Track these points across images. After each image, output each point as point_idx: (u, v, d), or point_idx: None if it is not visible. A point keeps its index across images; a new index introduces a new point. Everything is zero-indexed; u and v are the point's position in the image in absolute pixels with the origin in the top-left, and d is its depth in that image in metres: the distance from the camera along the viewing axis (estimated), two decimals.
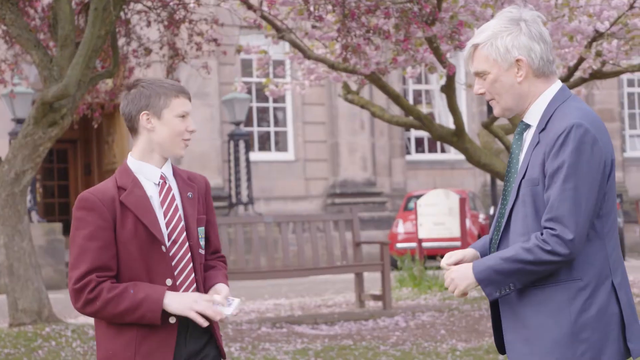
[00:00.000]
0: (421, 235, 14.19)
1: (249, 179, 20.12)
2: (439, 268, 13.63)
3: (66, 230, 21.21)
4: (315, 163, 22.23)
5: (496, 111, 3.04)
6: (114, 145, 21.58)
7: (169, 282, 3.10)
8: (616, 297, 2.87)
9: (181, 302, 3.06)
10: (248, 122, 21.50)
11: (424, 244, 14.47)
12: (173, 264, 3.11)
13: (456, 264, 3.06)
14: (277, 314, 11.45)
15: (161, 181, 3.18)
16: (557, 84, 2.99)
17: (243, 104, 19.95)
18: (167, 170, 3.19)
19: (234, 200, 20.14)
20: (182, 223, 3.15)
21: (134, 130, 3.18)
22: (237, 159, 20.10)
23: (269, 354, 8.40)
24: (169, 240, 3.12)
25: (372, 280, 14.20)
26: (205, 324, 3.08)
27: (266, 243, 11.28)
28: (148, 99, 3.13)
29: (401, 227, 19.41)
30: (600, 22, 9.98)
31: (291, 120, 22.16)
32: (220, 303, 3.11)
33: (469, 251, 3.10)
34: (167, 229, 3.13)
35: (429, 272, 13.50)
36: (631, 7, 10.03)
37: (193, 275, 3.15)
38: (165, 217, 3.13)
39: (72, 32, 9.07)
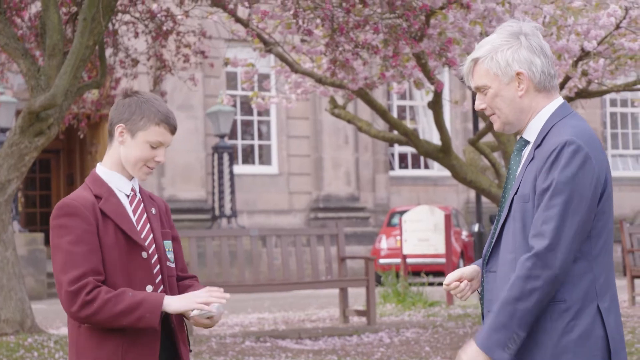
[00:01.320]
0: (406, 251, 14.19)
1: (232, 192, 20.08)
2: (423, 284, 13.62)
3: (47, 241, 21.09)
4: (299, 177, 22.21)
5: (497, 126, 3.00)
6: (97, 155, 21.49)
7: (149, 288, 3.08)
8: (602, 322, 2.80)
9: (181, 298, 3.04)
10: (232, 135, 21.47)
11: (409, 260, 14.46)
12: (154, 271, 3.11)
13: (459, 280, 3.03)
14: (260, 328, 11.40)
15: (132, 193, 3.18)
16: (558, 100, 2.95)
17: (227, 117, 19.93)
18: (135, 184, 3.20)
19: (217, 212, 20.09)
20: (152, 235, 3.15)
21: (110, 136, 3.17)
22: (220, 172, 20.05)
23: None
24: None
25: (356, 296, 14.17)
26: (213, 310, 3.03)
27: (251, 256, 11.25)
28: (131, 114, 3.11)
29: (384, 243, 19.41)
30: (587, 41, 10.04)
31: (275, 133, 22.15)
32: (214, 293, 3.08)
33: (469, 267, 3.08)
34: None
35: (413, 288, 13.49)
36: (617, 27, 10.09)
37: (162, 286, 3.14)
38: (137, 228, 3.14)
39: (60, 42, 9.04)
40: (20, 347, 8.72)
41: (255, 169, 21.98)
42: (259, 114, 21.77)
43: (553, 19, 9.83)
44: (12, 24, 9.99)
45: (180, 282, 3.24)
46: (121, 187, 3.14)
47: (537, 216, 2.79)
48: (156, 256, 3.13)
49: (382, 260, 18.45)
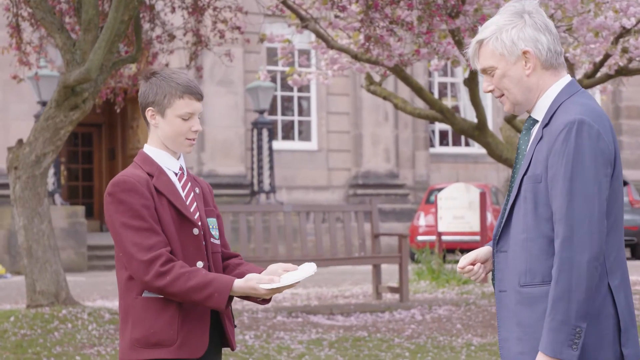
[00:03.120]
0: (441, 228, 14.15)
1: (271, 168, 20.14)
2: (457, 262, 13.57)
3: (89, 213, 21.34)
4: (338, 153, 22.21)
5: (506, 107, 2.98)
6: (138, 130, 21.68)
7: (199, 264, 3.15)
8: (612, 300, 2.79)
9: (246, 293, 3.10)
10: (272, 110, 21.51)
11: (444, 238, 14.42)
12: (204, 247, 3.18)
13: (472, 263, 3.02)
14: (293, 304, 11.46)
15: (180, 172, 3.24)
16: (566, 78, 2.92)
17: (267, 93, 19.95)
18: (183, 163, 3.27)
19: (255, 188, 20.17)
20: (198, 213, 3.22)
21: (145, 120, 3.26)
22: (260, 148, 20.12)
23: (282, 343, 8.42)
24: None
25: (390, 273, 14.18)
26: (272, 286, 3.07)
27: (285, 232, 11.30)
28: (155, 95, 3.17)
29: (422, 220, 19.36)
30: (626, 18, 9.88)
31: (315, 110, 22.15)
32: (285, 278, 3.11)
33: (483, 249, 3.06)
34: None
35: (448, 265, 13.46)
36: None
37: (206, 261, 3.21)
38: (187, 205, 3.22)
39: (96, 17, 9.10)
40: (55, 318, 8.87)
41: (295, 144, 22.01)
42: (299, 90, 21.77)
43: None
44: None
45: (230, 262, 3.31)
46: (170, 166, 3.21)
47: (556, 201, 2.77)
48: (202, 232, 3.20)
49: (420, 237, 18.43)
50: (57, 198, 18.69)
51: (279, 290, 3.09)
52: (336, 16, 9.97)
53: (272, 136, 20.37)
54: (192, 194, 3.23)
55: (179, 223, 3.15)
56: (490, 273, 3.08)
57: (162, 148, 3.21)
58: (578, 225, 2.74)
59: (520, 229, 2.87)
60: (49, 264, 9.39)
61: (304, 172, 21.75)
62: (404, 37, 10.21)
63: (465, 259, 3.05)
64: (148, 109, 3.19)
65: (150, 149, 3.23)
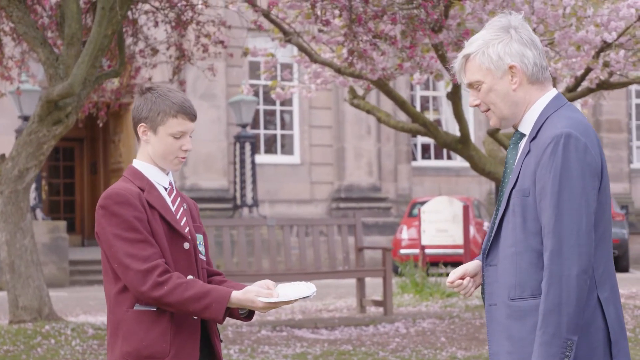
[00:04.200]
0: (424, 241, 14.17)
1: (254, 182, 20.12)
2: (441, 275, 13.61)
3: (70, 228, 21.23)
4: (321, 167, 22.22)
5: (492, 122, 2.99)
6: (120, 144, 21.61)
7: (190, 278, 3.14)
8: (602, 312, 2.81)
9: (244, 305, 3.08)
10: (255, 124, 21.51)
11: (427, 251, 14.44)
12: (194, 262, 3.18)
13: (461, 277, 3.03)
14: (277, 317, 11.44)
15: (169, 187, 3.25)
16: (552, 92, 2.94)
17: (250, 106, 19.96)
18: (171, 179, 3.28)
19: (238, 202, 20.14)
20: (188, 227, 3.22)
21: (136, 135, 3.26)
22: (242, 161, 20.10)
23: (267, 357, 8.39)
24: None
25: (374, 286, 14.18)
26: (271, 300, 3.07)
27: (269, 246, 11.28)
28: (148, 112, 3.18)
29: (405, 233, 19.38)
30: (607, 32, 9.96)
31: (298, 123, 22.17)
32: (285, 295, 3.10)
33: (472, 263, 3.07)
34: None
35: (431, 278, 13.48)
36: (639, 18, 10.00)
37: (197, 276, 3.21)
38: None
39: (79, 31, 9.09)
40: (38, 334, 8.81)
41: (278, 158, 22.01)
42: (282, 103, 21.79)
43: (573, 9, 9.76)
44: (32, 13, 10.06)
45: (213, 279, 3.30)
46: (160, 181, 3.21)
47: (545, 214, 2.78)
48: (192, 248, 3.20)
49: (402, 251, 18.45)
50: (39, 213, 18.59)
51: (276, 305, 3.08)
52: (320, 30, 10.00)
53: (255, 150, 20.36)
54: (181, 209, 3.24)
55: (170, 237, 3.15)
56: (480, 287, 3.09)
57: (151, 163, 3.22)
58: (566, 238, 2.75)
59: (509, 243, 2.88)
60: (31, 280, 9.33)
61: (286, 185, 21.75)
62: (387, 51, 10.25)
63: (454, 274, 3.05)
64: (140, 124, 3.20)
65: (140, 164, 3.23)
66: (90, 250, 21.43)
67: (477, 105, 3.00)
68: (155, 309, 3.09)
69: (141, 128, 3.20)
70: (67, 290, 16.84)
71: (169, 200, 3.21)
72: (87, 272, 19.03)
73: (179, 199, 3.25)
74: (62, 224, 18.61)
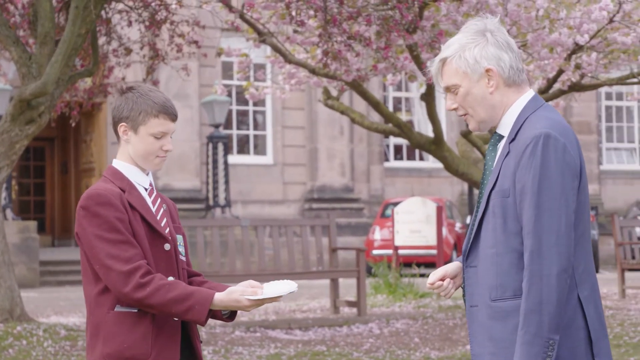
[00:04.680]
0: (397, 242, 14.21)
1: (226, 182, 20.08)
2: (414, 276, 13.64)
3: (41, 229, 21.07)
4: (294, 168, 22.22)
5: (471, 125, 3.00)
6: (91, 144, 21.48)
7: (171, 279, 3.12)
8: (582, 311, 2.82)
9: (228, 305, 3.07)
10: (227, 124, 21.46)
11: (400, 252, 14.47)
12: (175, 263, 3.16)
13: (441, 279, 3.03)
14: (251, 318, 11.42)
15: (150, 187, 3.23)
16: (529, 93, 2.96)
17: (223, 107, 19.91)
18: (151, 179, 3.26)
19: (211, 202, 20.09)
20: (168, 228, 3.20)
21: (116, 135, 3.22)
22: (215, 162, 20.05)
23: (241, 358, 8.38)
24: None
25: (347, 287, 14.19)
26: (257, 297, 3.06)
27: (242, 246, 11.26)
28: (130, 111, 3.15)
29: (378, 234, 19.42)
30: (580, 35, 10.04)
31: (270, 124, 22.15)
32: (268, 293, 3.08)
33: (452, 264, 3.08)
34: None
35: (405, 279, 13.51)
36: (611, 21, 10.09)
37: (177, 277, 3.19)
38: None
39: (52, 30, 9.02)
40: (9, 335, 8.73)
41: (250, 159, 21.98)
42: (255, 104, 21.76)
43: (546, 12, 9.83)
44: (4, 12, 9.97)
45: (193, 279, 3.29)
46: (140, 181, 3.19)
47: (525, 214, 2.79)
48: (173, 248, 3.18)
49: (375, 252, 18.48)
50: (9, 213, 18.44)
51: (262, 302, 3.07)
52: (295, 31, 10.00)
53: (228, 150, 20.31)
54: (161, 209, 3.22)
55: (151, 238, 3.13)
56: (460, 288, 3.09)
57: (132, 163, 3.19)
58: (546, 238, 2.76)
59: (489, 244, 2.88)
60: (3, 280, 9.25)
61: (259, 186, 21.72)
62: (362, 52, 10.27)
63: (434, 275, 3.06)
64: (121, 123, 3.17)
65: (120, 164, 3.21)
66: (61, 250, 21.28)
67: (454, 109, 3.00)
68: (136, 311, 3.07)
69: (122, 127, 3.17)
70: (37, 291, 16.71)
71: (149, 201, 3.19)
72: (58, 273, 18.89)
73: (159, 199, 3.23)
74: (33, 224, 18.47)
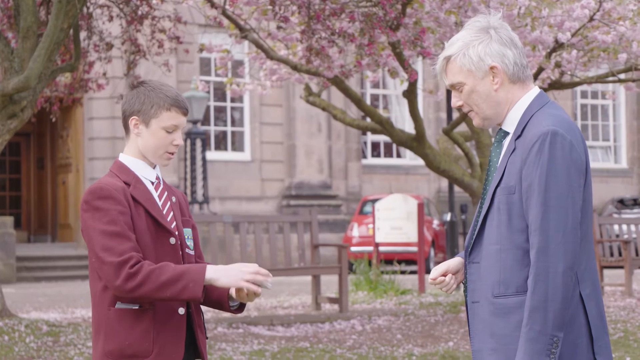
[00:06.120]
0: (378, 239, 14.23)
1: (204, 178, 20.03)
2: (395, 272, 13.67)
3: (17, 224, 20.92)
4: (272, 164, 22.20)
5: (476, 122, 3.01)
6: (68, 139, 21.34)
7: (163, 263, 3.09)
8: (583, 308, 2.84)
9: (229, 275, 3.02)
10: (205, 121, 21.41)
11: (381, 248, 14.51)
12: (180, 257, 3.15)
13: (443, 274, 3.04)
14: (233, 315, 11.40)
15: (156, 181, 3.22)
16: (535, 90, 2.97)
17: (201, 103, 19.86)
18: (159, 172, 3.25)
19: (189, 199, 20.04)
20: (174, 222, 3.19)
21: (126, 128, 3.21)
22: (193, 158, 20.00)
23: (225, 354, 8.37)
24: None
25: (328, 283, 14.21)
26: (259, 290, 3.04)
27: (224, 243, 11.24)
28: (141, 104, 3.15)
29: (356, 231, 19.45)
30: (561, 32, 10.10)
31: (248, 120, 22.12)
32: (263, 273, 3.05)
33: (454, 260, 3.09)
34: None
35: (385, 276, 13.54)
36: (591, 19, 10.16)
37: None
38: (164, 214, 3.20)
39: (35, 24, 8.96)
40: None
41: (228, 155, 21.93)
42: (232, 100, 21.72)
43: (528, 10, 9.88)
44: None
45: None
46: (146, 175, 3.18)
47: (532, 211, 2.80)
48: (178, 242, 3.17)
49: (353, 248, 18.50)
50: None
51: (260, 279, 3.02)
52: (278, 27, 9.98)
53: (206, 146, 20.27)
54: (168, 203, 3.20)
55: (155, 232, 3.12)
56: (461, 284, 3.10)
57: (139, 157, 3.18)
58: (553, 235, 2.77)
59: (493, 240, 2.89)
60: None
61: (237, 182, 21.69)
62: (345, 49, 10.27)
63: (436, 270, 3.07)
64: (132, 117, 3.16)
65: (127, 158, 3.20)
66: (37, 246, 21.14)
67: (460, 107, 3.01)
68: (137, 307, 3.06)
69: (133, 121, 3.16)
70: (14, 287, 16.59)
71: (155, 194, 3.18)
72: (34, 269, 18.78)
73: (166, 192, 3.21)
74: (9, 219, 18.34)
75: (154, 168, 3.22)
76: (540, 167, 2.80)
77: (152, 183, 3.20)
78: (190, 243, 3.22)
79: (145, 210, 3.12)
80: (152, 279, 2.98)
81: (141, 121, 3.16)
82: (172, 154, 3.19)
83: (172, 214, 3.19)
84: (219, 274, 3.02)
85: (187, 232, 3.22)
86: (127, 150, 3.22)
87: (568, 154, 2.81)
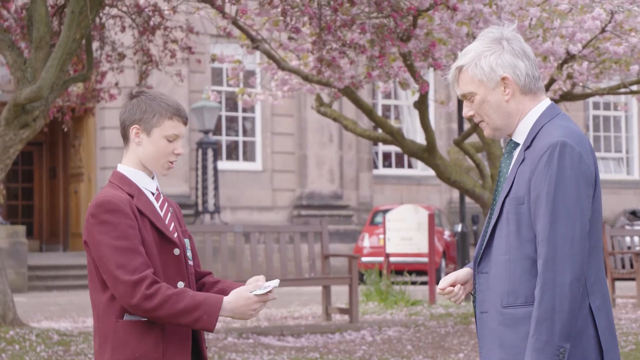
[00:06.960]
0: (389, 249, 14.22)
1: (216, 188, 20.06)
2: (405, 283, 13.66)
3: (29, 233, 21.00)
4: (283, 174, 22.22)
5: (486, 132, 3.02)
6: (80, 149, 21.43)
7: (181, 284, 3.12)
8: (593, 321, 2.84)
9: (243, 313, 3.07)
10: (217, 130, 21.45)
11: (392, 259, 14.49)
12: (184, 268, 3.15)
13: (452, 285, 3.05)
14: (243, 325, 11.41)
15: (156, 192, 3.22)
16: (546, 102, 2.98)
17: (212, 113, 19.91)
18: (157, 183, 3.24)
19: (200, 208, 20.07)
20: (176, 233, 3.19)
21: (125, 138, 3.20)
22: (204, 167, 20.04)
23: None
24: None
25: (338, 294, 14.20)
26: (272, 298, 3.09)
27: (234, 253, 11.25)
28: (143, 113, 3.15)
29: (367, 241, 19.43)
30: (573, 44, 10.10)
31: (260, 130, 22.15)
32: (265, 286, 3.09)
33: (463, 270, 3.09)
34: None
35: (396, 287, 13.53)
36: (603, 30, 10.15)
37: (187, 282, 3.18)
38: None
39: (47, 34, 9.01)
40: (2, 339, 8.69)
41: (239, 165, 21.97)
42: (244, 110, 21.77)
43: (539, 21, 9.88)
44: None
45: (205, 280, 3.28)
46: (147, 186, 3.17)
47: (540, 221, 2.80)
48: (182, 253, 3.17)
49: (364, 259, 18.48)
50: None
51: (267, 297, 3.06)
52: (290, 38, 10.01)
53: (217, 156, 20.31)
54: (169, 214, 3.20)
55: (160, 244, 3.11)
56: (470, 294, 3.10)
57: (139, 168, 3.17)
58: (560, 246, 2.78)
59: (502, 251, 2.90)
60: None
61: (248, 192, 21.71)
62: (356, 60, 10.29)
63: (445, 281, 3.07)
64: (133, 126, 3.15)
65: (127, 169, 3.18)
66: (49, 255, 21.20)
67: (471, 117, 3.03)
68: (145, 319, 3.06)
69: (134, 130, 3.15)
70: (26, 296, 16.64)
71: (157, 205, 3.17)
72: (46, 278, 18.82)
73: (166, 204, 3.22)
74: (22, 228, 18.39)
75: (152, 179, 3.21)
76: (548, 177, 2.81)
77: (153, 194, 3.20)
78: (189, 253, 3.23)
79: (150, 222, 3.12)
80: (169, 304, 2.99)
81: (142, 130, 3.15)
82: (172, 163, 3.18)
83: (173, 224, 3.19)
84: (234, 312, 3.05)
85: (186, 242, 3.22)
86: (125, 160, 3.20)
87: (577, 165, 2.82)
